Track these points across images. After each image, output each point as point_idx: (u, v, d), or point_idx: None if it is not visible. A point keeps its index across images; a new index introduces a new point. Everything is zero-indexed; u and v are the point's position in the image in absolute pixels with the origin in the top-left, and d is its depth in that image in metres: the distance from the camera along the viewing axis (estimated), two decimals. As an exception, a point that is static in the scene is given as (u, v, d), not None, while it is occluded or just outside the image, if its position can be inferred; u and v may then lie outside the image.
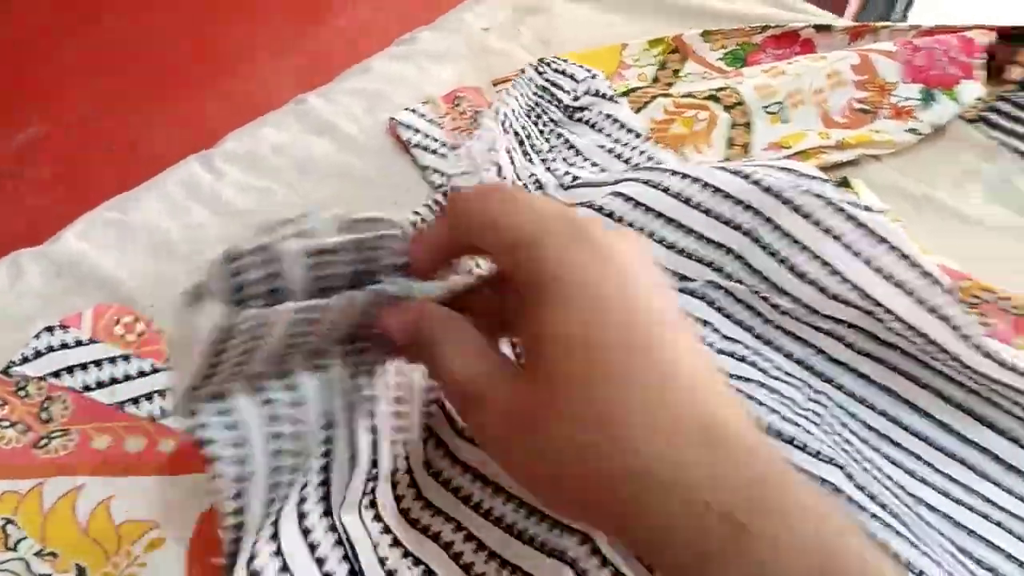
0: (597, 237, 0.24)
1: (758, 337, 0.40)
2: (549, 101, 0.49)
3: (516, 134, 0.47)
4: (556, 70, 0.51)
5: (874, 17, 1.28)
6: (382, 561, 0.30)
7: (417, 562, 0.31)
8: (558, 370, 0.23)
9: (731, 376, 0.37)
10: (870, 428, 0.38)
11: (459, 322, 0.27)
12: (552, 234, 0.24)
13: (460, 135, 0.50)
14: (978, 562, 0.34)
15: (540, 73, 0.51)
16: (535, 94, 0.49)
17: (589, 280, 0.23)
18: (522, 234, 0.25)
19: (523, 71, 0.52)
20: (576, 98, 0.49)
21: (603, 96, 0.49)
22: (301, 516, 0.29)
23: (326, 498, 0.29)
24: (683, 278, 0.40)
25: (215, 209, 0.47)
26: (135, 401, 0.37)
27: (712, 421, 0.22)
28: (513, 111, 0.48)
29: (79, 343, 0.39)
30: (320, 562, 0.29)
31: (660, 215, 0.40)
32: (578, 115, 0.48)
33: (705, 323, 0.39)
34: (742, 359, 0.38)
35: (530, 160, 0.46)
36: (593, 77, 0.50)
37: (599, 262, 0.24)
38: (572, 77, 0.50)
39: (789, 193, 0.38)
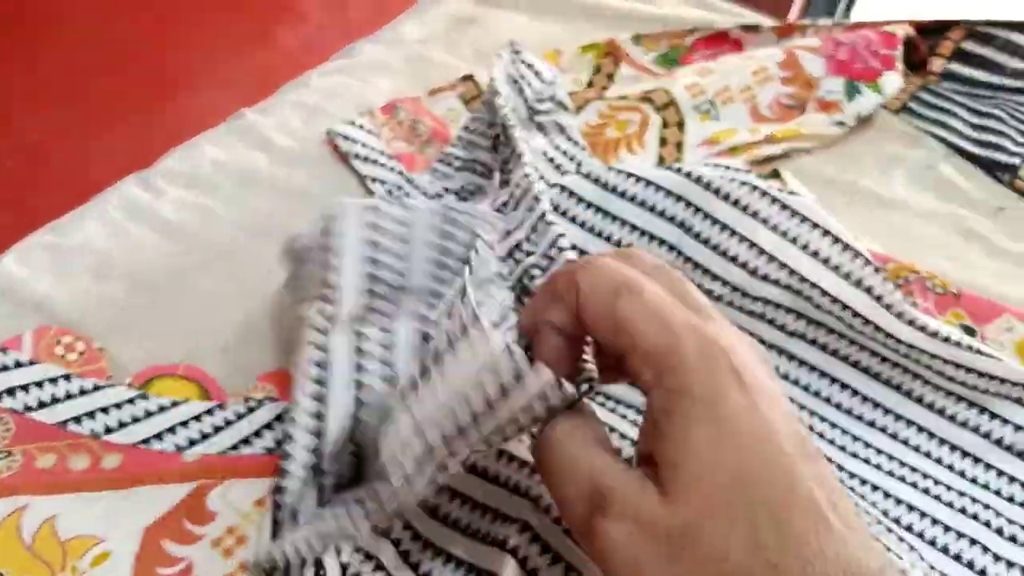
0: (728, 352, 0.24)
1: None
2: (518, 94, 0.50)
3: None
4: (525, 62, 0.51)
5: (821, 15, 1.31)
6: (338, 551, 0.31)
7: (368, 556, 0.31)
8: (707, 501, 0.22)
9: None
10: (801, 407, 0.39)
11: (586, 409, 0.27)
12: (685, 347, 0.24)
13: (398, 144, 0.51)
14: (908, 529, 0.35)
15: (512, 61, 0.51)
16: (505, 82, 0.50)
17: (730, 409, 0.23)
18: (656, 345, 0.24)
19: (499, 55, 0.52)
20: (540, 99, 0.50)
21: (562, 106, 0.50)
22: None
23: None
24: None
25: (154, 227, 0.47)
26: (77, 420, 0.37)
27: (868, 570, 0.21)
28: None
29: (19, 364, 0.39)
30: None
31: (599, 209, 0.41)
32: (537, 117, 0.49)
33: None
34: None
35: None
36: (555, 82, 0.51)
37: (736, 385, 0.23)
38: (538, 74, 0.51)
39: (718, 183, 0.40)
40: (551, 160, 0.47)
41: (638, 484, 0.24)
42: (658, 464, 0.24)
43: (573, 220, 0.42)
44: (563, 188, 0.42)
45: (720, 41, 0.61)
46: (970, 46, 0.60)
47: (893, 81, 0.55)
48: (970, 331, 0.42)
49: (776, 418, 0.23)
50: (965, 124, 0.56)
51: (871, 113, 0.55)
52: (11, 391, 0.38)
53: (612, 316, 0.25)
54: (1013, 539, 0.35)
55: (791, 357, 0.40)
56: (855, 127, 0.55)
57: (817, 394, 0.39)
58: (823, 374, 0.40)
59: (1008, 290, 0.46)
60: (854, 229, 0.46)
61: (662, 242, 0.41)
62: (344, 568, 0.31)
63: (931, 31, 0.60)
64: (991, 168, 0.53)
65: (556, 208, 0.42)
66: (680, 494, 0.23)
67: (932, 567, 0.34)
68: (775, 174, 0.49)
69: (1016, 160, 0.53)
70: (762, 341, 0.40)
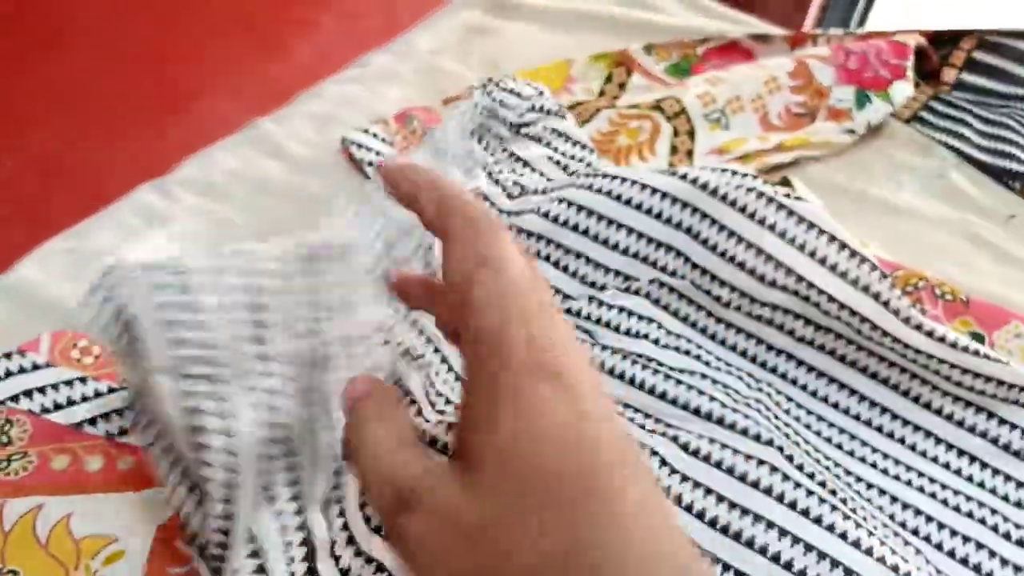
0: (551, 348, 0.24)
1: (702, 331, 0.41)
2: (496, 120, 0.50)
3: (455, 157, 0.48)
4: (504, 88, 0.52)
5: (836, 21, 1.32)
6: (336, 559, 0.31)
7: (369, 560, 0.32)
8: (507, 493, 0.22)
9: (677, 369, 0.38)
10: (809, 412, 0.39)
11: (396, 407, 0.26)
12: (512, 338, 0.23)
13: (411, 152, 0.52)
14: (915, 532, 0.35)
15: (488, 94, 0.52)
16: (481, 114, 0.50)
17: (539, 405, 0.23)
18: (484, 330, 0.24)
19: (472, 88, 0.53)
20: (521, 115, 0.50)
21: (549, 112, 0.51)
22: (278, 513, 0.30)
23: (296, 497, 0.32)
24: (628, 278, 0.42)
25: (171, 236, 0.48)
26: (92, 421, 0.38)
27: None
28: (451, 135, 0.49)
29: (36, 367, 0.39)
30: (290, 561, 0.30)
31: (603, 217, 0.42)
32: (524, 131, 0.49)
33: (651, 321, 0.40)
34: (687, 352, 0.39)
35: (471, 175, 0.47)
36: (540, 94, 0.51)
37: (551, 383, 0.23)
38: (518, 95, 0.51)
39: (725, 189, 0.40)
40: (557, 163, 0.47)
41: (442, 478, 0.23)
42: (466, 453, 0.23)
43: (575, 229, 0.42)
44: (562, 200, 0.43)
45: (731, 51, 0.61)
46: (981, 56, 0.60)
47: (903, 90, 0.55)
48: (979, 337, 0.42)
49: (589, 421, 0.23)
50: (976, 133, 0.56)
51: (881, 122, 0.55)
52: (28, 393, 0.38)
53: (467, 284, 0.25)
54: (1020, 543, 0.35)
55: (799, 362, 0.40)
56: (865, 135, 0.55)
57: (825, 399, 0.40)
58: (831, 379, 0.40)
59: (1018, 297, 0.46)
60: (864, 236, 0.46)
61: (670, 248, 0.41)
62: (345, 573, 0.31)
63: (942, 41, 0.61)
64: (1001, 176, 0.53)
65: (555, 219, 0.42)
66: (481, 487, 0.22)
67: (939, 570, 0.34)
68: (785, 181, 0.49)
69: (1026, 169, 0.53)
70: (770, 346, 0.40)
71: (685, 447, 0.35)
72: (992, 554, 0.35)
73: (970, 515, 0.36)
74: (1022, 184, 0.53)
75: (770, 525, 0.33)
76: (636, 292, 0.42)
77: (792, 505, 0.33)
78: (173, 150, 0.53)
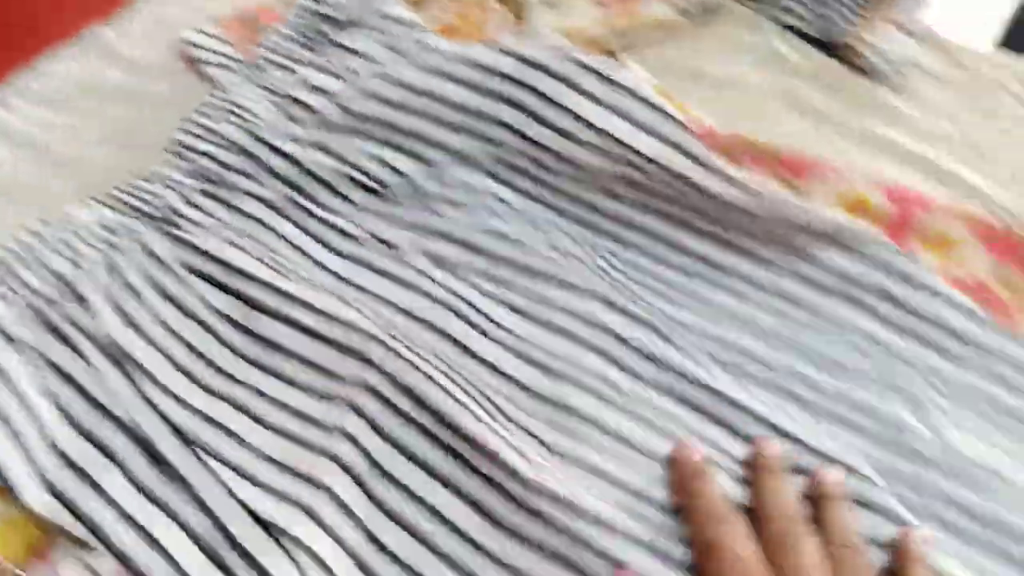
0: None
1: (536, 199, 0.43)
2: (323, 19, 0.51)
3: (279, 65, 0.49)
4: None
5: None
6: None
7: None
8: None
9: (516, 238, 0.41)
10: (635, 267, 0.42)
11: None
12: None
13: (252, 51, 0.52)
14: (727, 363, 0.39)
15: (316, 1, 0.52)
16: (304, 18, 0.51)
17: None
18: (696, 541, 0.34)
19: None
20: (338, 8, 0.51)
21: None
22: None
23: None
24: (462, 153, 0.43)
25: (16, 144, 0.48)
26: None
27: None
28: (273, 47, 0.50)
29: None
30: None
31: (431, 95, 0.43)
32: (352, 23, 0.50)
33: (488, 193, 0.43)
34: (523, 221, 0.42)
35: (292, 71, 0.48)
36: None
37: None
38: None
39: (548, 62, 0.42)
40: (385, 44, 0.48)
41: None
42: None
43: (406, 109, 0.44)
44: (392, 81, 0.44)
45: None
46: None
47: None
48: (792, 186, 0.45)
49: None
50: (802, 6, 0.58)
51: (716, 3, 0.57)
52: None
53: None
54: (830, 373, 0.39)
55: (627, 223, 0.42)
56: (701, 17, 0.57)
57: (653, 256, 0.42)
58: (657, 237, 0.42)
59: (840, 158, 0.49)
60: (698, 110, 0.48)
61: (500, 123, 0.43)
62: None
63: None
64: (827, 46, 0.56)
65: (387, 101, 0.44)
66: None
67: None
68: (610, 55, 0.51)
69: (848, 37, 0.56)
70: (599, 210, 0.43)
71: (518, 311, 0.39)
72: (808, 386, 0.39)
73: (787, 348, 0.40)
74: (849, 54, 0.55)
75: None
76: (472, 166, 0.43)
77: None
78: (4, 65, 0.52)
